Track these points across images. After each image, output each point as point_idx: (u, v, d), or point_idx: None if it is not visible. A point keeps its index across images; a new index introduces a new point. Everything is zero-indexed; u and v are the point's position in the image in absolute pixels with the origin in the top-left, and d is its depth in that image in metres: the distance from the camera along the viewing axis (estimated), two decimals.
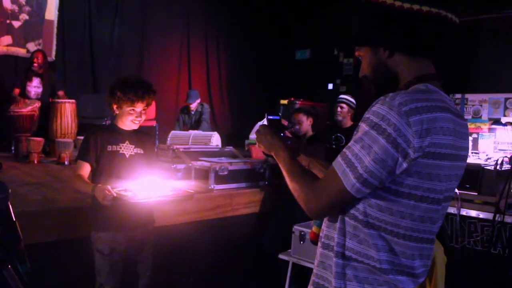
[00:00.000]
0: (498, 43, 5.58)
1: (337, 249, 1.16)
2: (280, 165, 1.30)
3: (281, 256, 3.06)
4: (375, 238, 1.11)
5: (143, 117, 2.47)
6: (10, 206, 1.06)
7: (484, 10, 5.44)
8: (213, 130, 6.20)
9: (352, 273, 1.14)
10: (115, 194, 2.16)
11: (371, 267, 1.12)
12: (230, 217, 3.60)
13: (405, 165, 1.04)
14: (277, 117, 1.57)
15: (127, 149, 2.46)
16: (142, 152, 2.50)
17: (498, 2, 5.55)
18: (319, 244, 1.27)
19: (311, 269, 3.33)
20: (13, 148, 5.40)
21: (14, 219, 1.06)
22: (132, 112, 2.41)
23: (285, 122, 4.06)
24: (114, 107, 2.43)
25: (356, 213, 1.13)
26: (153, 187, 2.38)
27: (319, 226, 1.37)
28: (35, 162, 4.86)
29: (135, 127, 2.49)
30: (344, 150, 1.11)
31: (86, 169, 2.39)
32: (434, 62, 1.19)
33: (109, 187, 2.19)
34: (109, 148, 2.42)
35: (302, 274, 3.22)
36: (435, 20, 1.12)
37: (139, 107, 2.42)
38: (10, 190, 1.04)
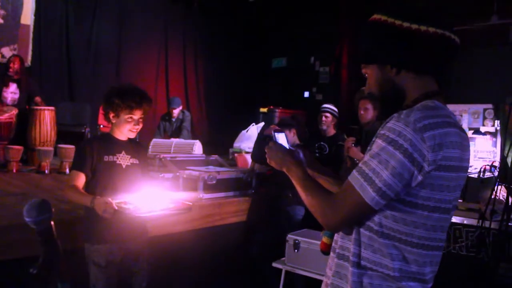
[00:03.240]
0: (475, 54, 5.77)
1: (353, 259, 1.20)
2: (294, 181, 1.32)
3: (274, 265, 3.08)
4: (389, 247, 1.16)
5: (140, 125, 2.44)
6: (53, 224, 1.05)
7: (461, 22, 5.64)
8: (192, 138, 6.19)
9: (367, 281, 1.19)
10: (116, 207, 2.12)
11: (384, 275, 1.17)
12: (219, 226, 3.61)
13: (420, 177, 1.10)
14: (283, 132, 1.58)
15: (124, 159, 2.42)
16: (137, 162, 2.48)
17: (473, 14, 5.77)
18: (333, 254, 1.31)
19: (300, 277, 3.33)
20: None
21: (55, 237, 1.05)
22: (130, 120, 2.37)
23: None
24: (111, 115, 2.38)
25: (372, 224, 1.18)
26: (153, 199, 2.34)
27: (330, 236, 1.40)
28: (14, 171, 4.72)
29: (132, 136, 2.46)
30: (360, 165, 1.16)
31: (81, 180, 2.32)
32: (436, 79, 1.27)
33: (109, 199, 2.14)
34: (106, 158, 2.37)
35: (292, 282, 3.26)
36: (441, 40, 1.19)
37: (137, 114, 2.39)
38: (53, 210, 1.03)
